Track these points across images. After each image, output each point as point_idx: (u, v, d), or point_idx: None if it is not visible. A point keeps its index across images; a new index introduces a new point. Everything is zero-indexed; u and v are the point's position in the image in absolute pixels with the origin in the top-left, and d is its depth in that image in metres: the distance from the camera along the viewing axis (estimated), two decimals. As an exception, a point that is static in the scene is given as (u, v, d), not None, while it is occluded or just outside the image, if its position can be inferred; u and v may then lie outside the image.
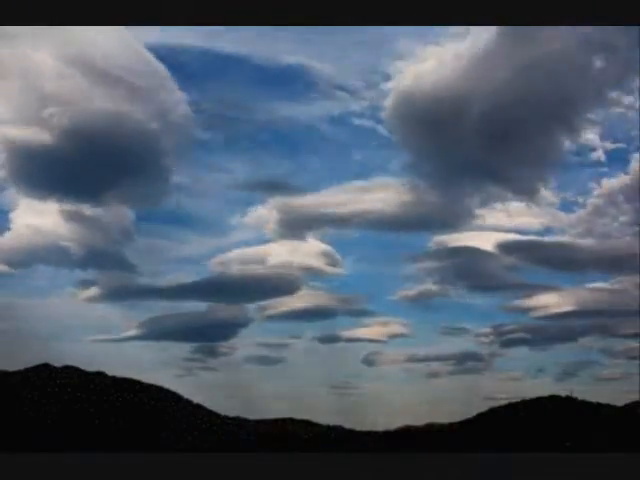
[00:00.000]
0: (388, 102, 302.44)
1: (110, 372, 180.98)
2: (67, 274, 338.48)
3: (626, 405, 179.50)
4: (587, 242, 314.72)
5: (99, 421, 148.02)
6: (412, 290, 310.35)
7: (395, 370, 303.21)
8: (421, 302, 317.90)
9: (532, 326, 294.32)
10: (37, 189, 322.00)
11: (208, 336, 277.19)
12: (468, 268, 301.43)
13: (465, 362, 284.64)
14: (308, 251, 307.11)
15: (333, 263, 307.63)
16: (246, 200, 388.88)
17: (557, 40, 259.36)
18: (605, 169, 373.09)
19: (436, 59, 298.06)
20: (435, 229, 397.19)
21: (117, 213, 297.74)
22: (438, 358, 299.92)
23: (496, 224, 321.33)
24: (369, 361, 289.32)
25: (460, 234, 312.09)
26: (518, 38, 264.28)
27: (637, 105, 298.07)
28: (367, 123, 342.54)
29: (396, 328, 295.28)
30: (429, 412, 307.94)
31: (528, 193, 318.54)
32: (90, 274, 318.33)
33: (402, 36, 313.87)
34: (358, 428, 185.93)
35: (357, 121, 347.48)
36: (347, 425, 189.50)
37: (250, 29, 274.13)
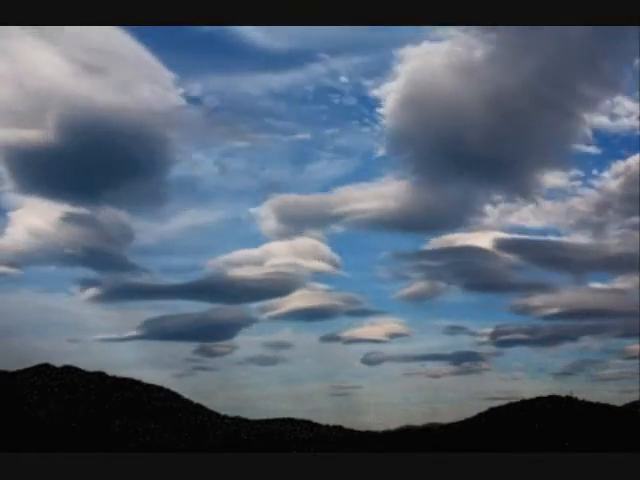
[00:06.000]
0: (388, 99, 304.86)
1: (110, 372, 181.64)
2: (67, 274, 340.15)
3: (626, 405, 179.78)
4: (587, 242, 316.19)
5: (99, 421, 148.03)
6: (412, 290, 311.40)
7: (395, 370, 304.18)
8: (421, 302, 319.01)
9: (532, 326, 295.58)
10: (36, 189, 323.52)
11: (208, 336, 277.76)
12: (468, 268, 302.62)
13: (465, 362, 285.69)
14: (307, 251, 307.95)
15: (332, 263, 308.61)
16: (246, 200, 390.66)
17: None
18: (605, 167, 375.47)
19: (435, 59, 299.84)
20: (435, 229, 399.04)
21: (116, 213, 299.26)
22: (438, 358, 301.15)
23: (496, 223, 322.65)
24: (369, 361, 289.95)
25: (460, 234, 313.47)
26: (516, 33, 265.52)
27: (637, 107, 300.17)
28: (366, 120, 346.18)
29: (396, 328, 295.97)
30: (429, 412, 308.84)
31: (527, 192, 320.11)
32: (90, 274, 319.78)
33: (403, 35, 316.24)
34: (358, 428, 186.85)
35: (357, 119, 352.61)
36: (347, 425, 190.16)
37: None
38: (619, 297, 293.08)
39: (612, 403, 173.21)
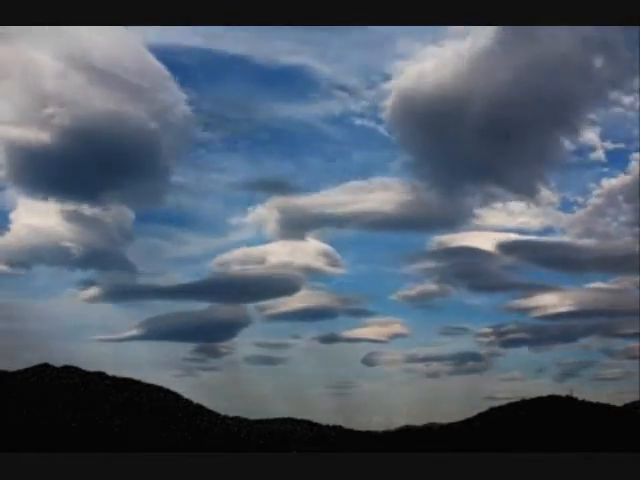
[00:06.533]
0: (388, 102, 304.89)
1: (110, 372, 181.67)
2: (67, 274, 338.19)
3: (626, 405, 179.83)
4: (587, 242, 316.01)
5: (99, 421, 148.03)
6: (412, 290, 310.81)
7: (395, 370, 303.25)
8: (421, 302, 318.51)
9: (532, 326, 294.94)
10: (37, 189, 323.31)
11: (208, 336, 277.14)
12: (468, 268, 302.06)
13: (465, 362, 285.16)
14: (308, 251, 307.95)
15: (333, 263, 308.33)
16: (246, 200, 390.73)
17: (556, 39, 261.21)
18: (605, 169, 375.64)
19: (436, 59, 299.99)
20: (435, 229, 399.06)
21: (117, 213, 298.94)
22: (438, 358, 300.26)
23: (496, 224, 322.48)
24: (369, 361, 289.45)
25: (460, 234, 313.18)
26: (517, 37, 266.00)
27: (637, 105, 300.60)
28: (367, 123, 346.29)
29: (396, 328, 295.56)
30: (429, 412, 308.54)
31: (528, 193, 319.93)
32: (90, 274, 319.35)
33: (402, 36, 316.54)
34: (358, 428, 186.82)
35: (357, 121, 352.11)
36: (347, 425, 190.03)
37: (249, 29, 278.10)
38: (619, 297, 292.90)
39: (612, 403, 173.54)
